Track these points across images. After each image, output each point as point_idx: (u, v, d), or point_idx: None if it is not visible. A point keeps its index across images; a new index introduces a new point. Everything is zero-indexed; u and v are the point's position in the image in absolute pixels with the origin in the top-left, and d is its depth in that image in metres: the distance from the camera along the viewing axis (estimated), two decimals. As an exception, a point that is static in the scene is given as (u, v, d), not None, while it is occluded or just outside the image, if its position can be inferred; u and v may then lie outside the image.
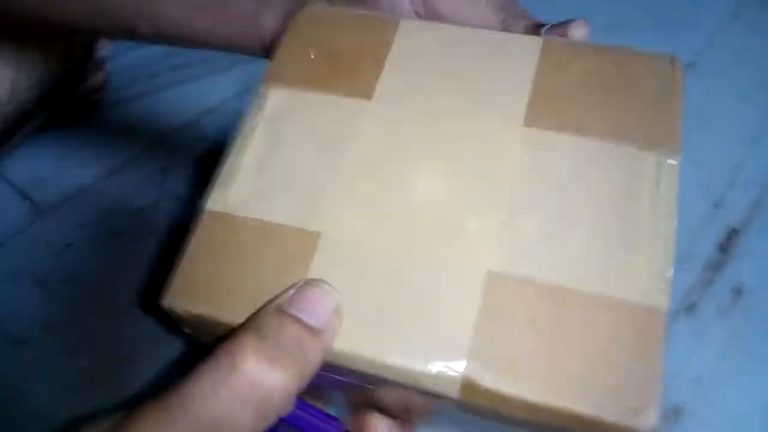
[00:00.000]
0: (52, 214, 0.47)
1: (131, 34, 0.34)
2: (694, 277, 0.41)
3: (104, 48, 0.54)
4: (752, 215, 0.45)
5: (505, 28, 0.28)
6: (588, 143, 0.23)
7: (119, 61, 0.58)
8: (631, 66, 0.24)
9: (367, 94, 0.25)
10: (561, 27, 0.28)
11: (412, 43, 0.26)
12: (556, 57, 0.25)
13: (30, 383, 0.37)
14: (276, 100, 0.26)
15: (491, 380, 0.20)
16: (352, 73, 0.25)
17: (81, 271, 0.43)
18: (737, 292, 0.40)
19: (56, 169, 0.51)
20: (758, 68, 0.59)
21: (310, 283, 0.21)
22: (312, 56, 0.26)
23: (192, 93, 0.58)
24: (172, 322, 0.24)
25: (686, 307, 0.40)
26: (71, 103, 0.54)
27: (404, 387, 0.21)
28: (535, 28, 0.27)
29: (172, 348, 0.39)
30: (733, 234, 0.44)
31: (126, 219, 0.47)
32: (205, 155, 0.52)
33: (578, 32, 0.27)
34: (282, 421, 0.21)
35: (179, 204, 0.48)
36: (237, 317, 0.21)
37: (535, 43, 0.25)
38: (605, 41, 0.66)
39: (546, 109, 0.23)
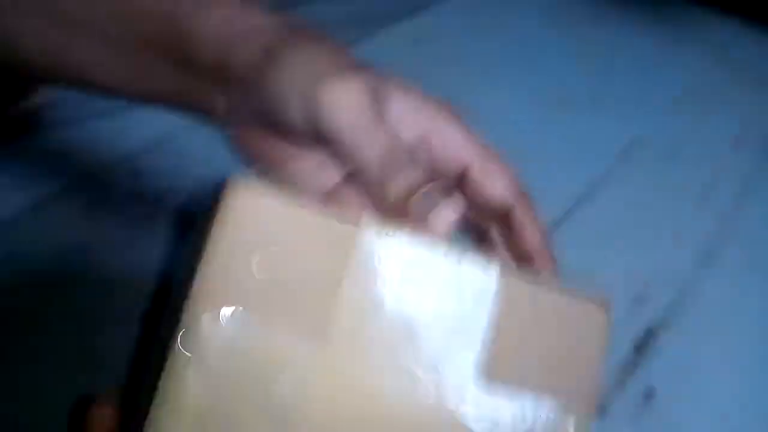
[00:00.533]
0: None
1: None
2: (608, 379, 0.43)
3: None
4: (670, 314, 0.47)
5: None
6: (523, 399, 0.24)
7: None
8: (566, 315, 0.25)
9: (320, 337, 0.22)
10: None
11: (370, 266, 0.23)
12: (510, 303, 0.24)
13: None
14: (210, 331, 0.22)
15: None
16: (301, 305, 0.23)
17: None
18: (647, 396, 0.42)
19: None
20: (694, 156, 0.62)
21: None
22: (255, 273, 0.22)
23: (138, 121, 0.56)
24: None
25: (597, 410, 0.41)
26: (3, 123, 0.52)
27: None
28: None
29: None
30: (649, 333, 0.46)
31: (50, 263, 0.45)
32: (141, 192, 0.50)
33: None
34: None
35: (109, 247, 0.46)
36: None
37: (490, 284, 0.24)
38: (555, 115, 0.68)
39: (499, 367, 0.24)
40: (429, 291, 0.24)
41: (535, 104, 0.65)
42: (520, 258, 0.29)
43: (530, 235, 0.28)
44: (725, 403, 0.42)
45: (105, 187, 0.50)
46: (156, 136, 0.55)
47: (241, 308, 0.22)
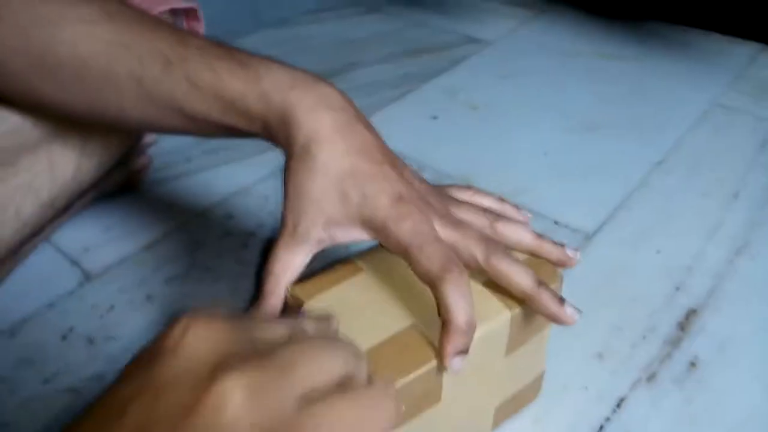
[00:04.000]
0: (97, 280, 0.54)
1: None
2: (654, 351, 0.47)
3: (148, 135, 0.63)
4: (708, 298, 0.52)
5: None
6: None
7: (160, 145, 0.66)
8: None
9: None
10: None
11: None
12: None
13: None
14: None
15: None
16: None
17: (122, 331, 0.50)
18: (692, 365, 0.47)
19: (102, 240, 0.58)
20: (721, 167, 0.67)
21: None
22: None
23: (223, 175, 0.66)
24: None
25: (647, 377, 0.46)
26: (118, 183, 0.62)
27: None
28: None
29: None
30: (691, 314, 0.50)
31: (161, 285, 0.54)
32: (232, 232, 0.59)
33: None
34: None
35: (209, 274, 0.55)
36: None
37: None
38: (585, 139, 0.75)
39: None
40: None
41: (567, 132, 0.72)
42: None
43: (442, 306, 0.33)
44: (761, 370, 0.46)
45: (203, 229, 0.60)
46: (243, 183, 0.64)
47: None
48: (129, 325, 0.50)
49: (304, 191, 0.36)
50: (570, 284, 0.39)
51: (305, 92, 0.37)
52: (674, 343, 0.48)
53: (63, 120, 0.49)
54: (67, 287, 0.54)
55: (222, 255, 0.57)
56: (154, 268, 0.55)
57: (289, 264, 0.37)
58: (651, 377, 0.46)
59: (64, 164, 0.49)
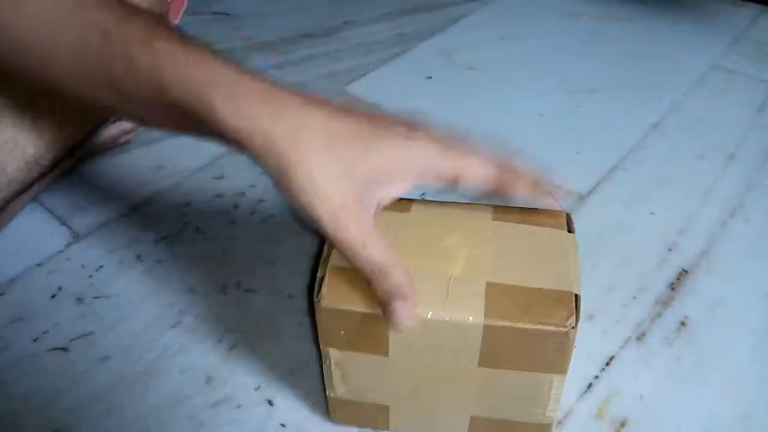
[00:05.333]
0: (86, 240, 0.54)
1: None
2: (645, 310, 0.47)
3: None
4: (700, 259, 0.52)
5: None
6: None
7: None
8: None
9: None
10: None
11: None
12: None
13: (65, 386, 0.43)
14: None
15: None
16: None
17: (111, 290, 0.50)
18: (682, 324, 0.47)
19: (91, 200, 0.58)
20: (718, 130, 0.66)
21: None
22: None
23: (213, 137, 0.65)
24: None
25: (637, 336, 0.46)
26: (106, 143, 0.61)
27: None
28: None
29: (198, 359, 0.45)
30: (682, 275, 0.50)
31: (151, 245, 0.54)
32: (223, 192, 0.59)
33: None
34: None
35: (199, 234, 0.54)
36: None
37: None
38: (583, 102, 0.74)
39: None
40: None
41: (563, 94, 0.71)
42: None
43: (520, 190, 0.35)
44: (750, 331, 0.46)
45: (194, 189, 0.59)
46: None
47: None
48: (119, 284, 0.50)
49: (324, 190, 0.31)
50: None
51: (253, 82, 0.32)
52: (665, 303, 0.48)
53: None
54: (56, 247, 0.53)
55: (213, 215, 0.56)
56: (143, 229, 0.55)
57: (375, 258, 0.32)
58: (641, 336, 0.46)
59: (48, 121, 0.48)
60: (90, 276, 0.51)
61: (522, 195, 0.35)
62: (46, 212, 0.56)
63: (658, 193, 0.58)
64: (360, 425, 0.40)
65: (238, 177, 0.60)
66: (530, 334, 0.32)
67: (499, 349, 0.33)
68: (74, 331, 0.46)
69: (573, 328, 0.32)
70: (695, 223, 0.55)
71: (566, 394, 0.42)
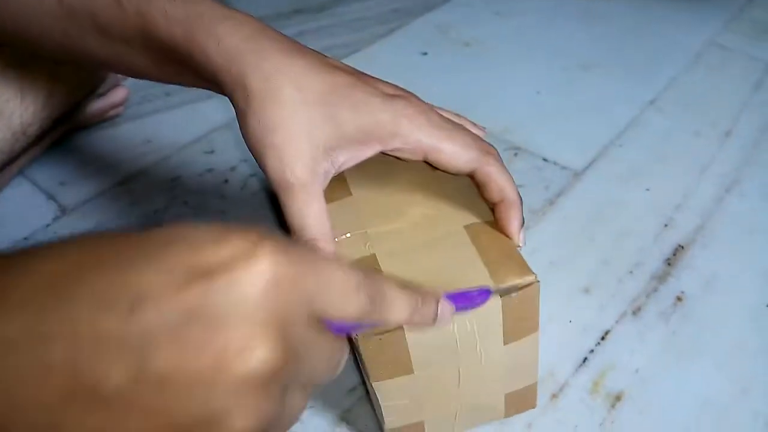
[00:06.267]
0: (73, 214, 0.53)
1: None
2: (641, 285, 0.47)
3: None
4: (696, 235, 0.51)
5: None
6: None
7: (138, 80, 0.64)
8: None
9: None
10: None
11: None
12: None
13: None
14: None
15: None
16: None
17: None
18: (678, 299, 0.46)
19: (78, 175, 0.56)
20: (714, 107, 0.66)
21: None
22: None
23: (203, 110, 0.64)
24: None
25: (633, 310, 0.45)
26: (94, 116, 0.60)
27: None
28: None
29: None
30: (678, 250, 0.50)
31: (139, 220, 0.53)
32: (213, 167, 0.58)
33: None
34: None
35: (189, 209, 0.53)
36: None
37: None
38: (579, 79, 0.73)
39: None
40: None
41: (560, 70, 0.71)
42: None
43: (495, 186, 0.33)
44: (746, 305, 0.46)
45: (183, 164, 0.58)
46: (224, 118, 0.62)
47: None
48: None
49: (283, 129, 0.30)
50: (558, 220, 0.38)
51: (239, 23, 0.31)
52: (661, 278, 0.48)
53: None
54: (43, 221, 0.52)
55: (202, 190, 0.55)
56: (131, 203, 0.54)
57: (308, 215, 0.31)
58: (636, 311, 0.45)
59: (35, 91, 0.47)
60: (77, 250, 0.50)
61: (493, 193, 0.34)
62: (33, 186, 0.55)
63: (654, 169, 0.58)
64: None
65: (228, 151, 0.59)
66: (533, 292, 0.32)
67: (516, 317, 0.32)
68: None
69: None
70: (691, 199, 0.55)
71: (561, 368, 0.42)
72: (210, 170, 0.57)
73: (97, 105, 0.59)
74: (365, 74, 0.34)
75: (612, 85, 0.69)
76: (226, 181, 0.56)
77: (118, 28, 0.32)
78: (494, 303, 0.30)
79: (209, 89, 0.34)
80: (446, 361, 0.33)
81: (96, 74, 0.54)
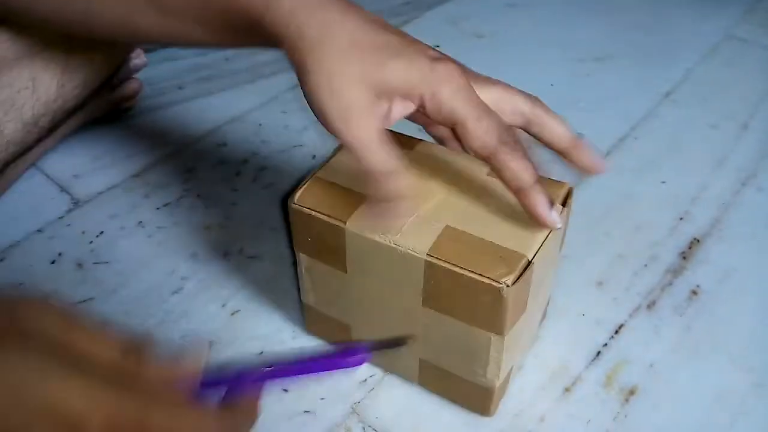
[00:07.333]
0: (87, 206, 0.53)
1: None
2: (656, 279, 0.47)
3: (139, 58, 0.60)
4: (712, 228, 0.51)
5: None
6: None
7: (152, 71, 0.64)
8: None
9: None
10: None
11: None
12: None
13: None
14: None
15: None
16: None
17: (112, 255, 0.49)
18: (693, 293, 0.46)
19: (91, 167, 0.57)
20: (731, 99, 0.65)
21: None
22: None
23: (216, 103, 0.64)
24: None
25: (647, 304, 0.45)
26: (107, 108, 0.60)
27: None
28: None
29: (202, 323, 0.44)
30: (694, 243, 0.49)
31: (152, 212, 0.53)
32: (226, 159, 0.58)
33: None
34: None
35: (201, 201, 0.54)
36: None
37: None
38: (594, 71, 0.72)
39: None
40: None
41: (574, 63, 0.70)
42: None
43: (507, 175, 0.33)
44: (762, 300, 0.45)
45: (196, 157, 0.58)
46: (236, 111, 0.62)
47: None
48: (120, 250, 0.49)
49: (340, 75, 0.31)
50: (572, 213, 0.38)
51: None
52: (676, 271, 0.47)
53: (44, 35, 0.46)
54: (57, 213, 0.52)
55: (215, 183, 0.55)
56: (144, 196, 0.54)
57: (377, 150, 0.31)
58: (651, 305, 0.45)
59: (46, 81, 0.47)
60: (90, 242, 0.50)
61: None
62: (46, 178, 0.56)
63: (669, 162, 0.57)
64: (329, 340, 0.42)
65: (240, 144, 0.59)
66: (465, 282, 0.32)
67: (441, 292, 0.33)
68: (74, 297, 0.46)
69: (508, 286, 0.31)
70: (707, 192, 0.54)
71: (574, 362, 0.41)
72: (222, 163, 0.57)
73: (110, 97, 0.59)
74: (414, 38, 0.35)
75: (627, 77, 0.68)
76: (238, 173, 0.56)
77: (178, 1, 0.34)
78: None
79: (264, 47, 0.35)
80: (380, 277, 0.35)
81: (108, 62, 0.54)
